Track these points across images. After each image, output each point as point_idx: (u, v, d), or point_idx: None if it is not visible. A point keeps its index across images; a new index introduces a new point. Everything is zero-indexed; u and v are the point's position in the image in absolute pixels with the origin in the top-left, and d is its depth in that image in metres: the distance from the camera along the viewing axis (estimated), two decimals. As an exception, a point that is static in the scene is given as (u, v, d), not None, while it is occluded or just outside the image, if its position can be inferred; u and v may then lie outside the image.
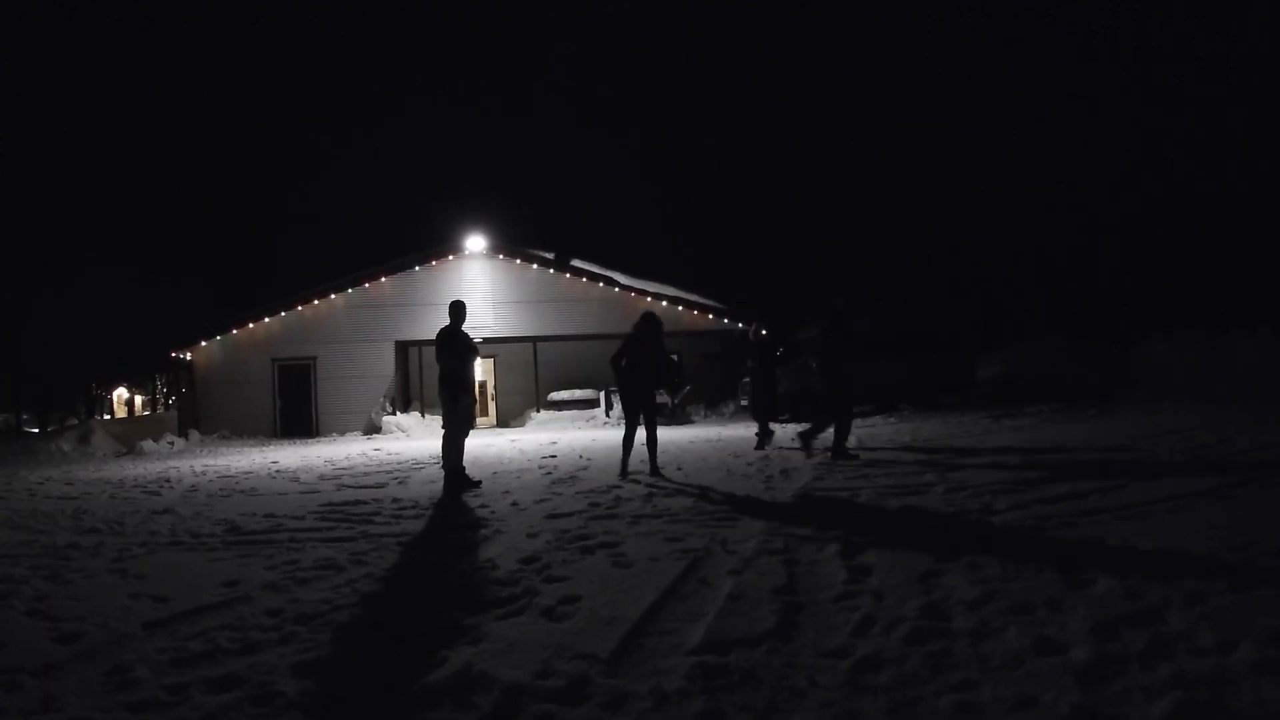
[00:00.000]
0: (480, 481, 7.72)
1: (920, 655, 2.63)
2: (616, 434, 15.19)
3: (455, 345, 7.60)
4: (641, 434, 7.94)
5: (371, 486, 8.04)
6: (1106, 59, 29.85)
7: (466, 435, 7.70)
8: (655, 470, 7.80)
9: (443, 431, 7.61)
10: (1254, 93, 25.37)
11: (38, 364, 31.93)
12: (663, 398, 19.86)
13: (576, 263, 21.77)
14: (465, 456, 7.67)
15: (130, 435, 18.44)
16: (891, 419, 14.83)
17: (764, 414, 10.86)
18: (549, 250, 22.62)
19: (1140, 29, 28.16)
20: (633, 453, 7.90)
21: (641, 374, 7.98)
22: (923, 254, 38.14)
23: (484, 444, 13.77)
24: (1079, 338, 20.79)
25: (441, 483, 7.56)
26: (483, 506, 6.32)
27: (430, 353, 8.04)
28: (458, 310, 7.76)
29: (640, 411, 7.96)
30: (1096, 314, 27.49)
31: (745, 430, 14.25)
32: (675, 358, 19.06)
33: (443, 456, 7.59)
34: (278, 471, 10.22)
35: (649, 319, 8.17)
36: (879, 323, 18.34)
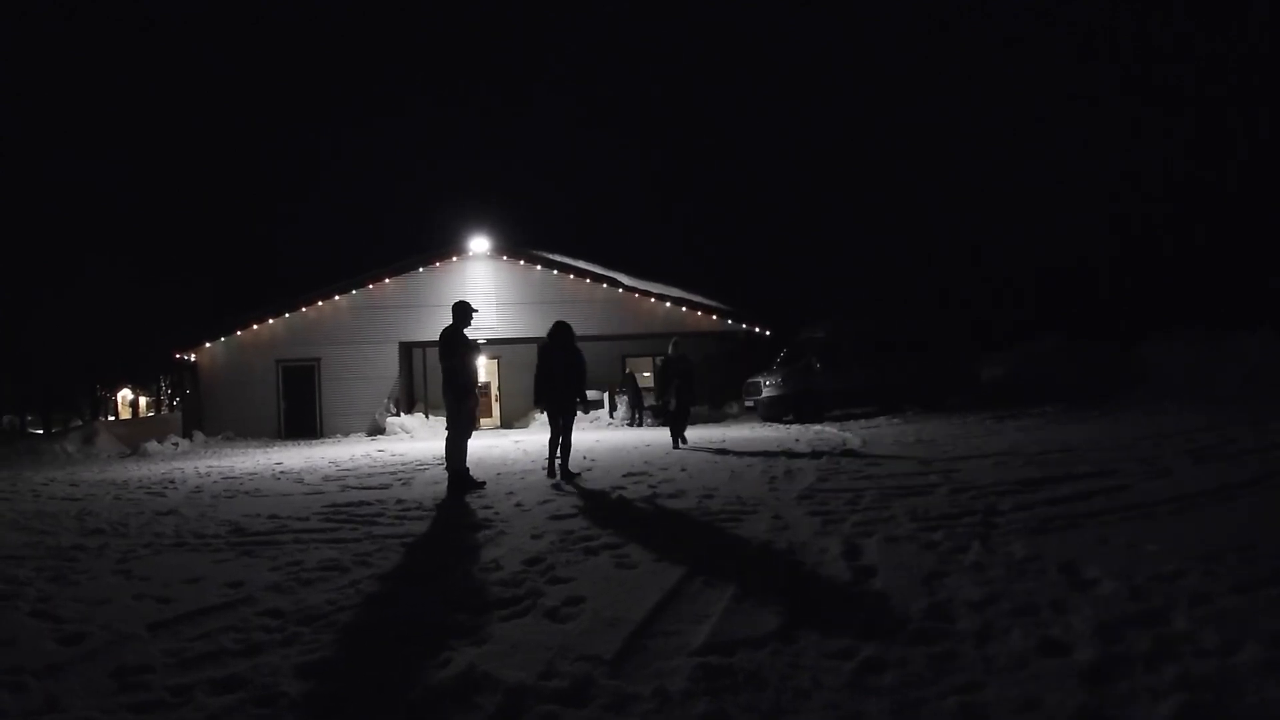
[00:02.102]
0: (484, 483, 7.72)
1: (924, 656, 2.62)
2: (621, 435, 15.22)
3: (458, 346, 7.58)
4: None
5: (375, 488, 8.05)
6: (1106, 59, 29.85)
7: (469, 436, 7.69)
8: (566, 473, 8.08)
9: (447, 433, 7.61)
10: (1254, 93, 25.32)
11: (42, 365, 32.00)
12: (653, 401, 19.99)
13: (580, 263, 21.78)
14: (468, 457, 7.67)
15: (134, 436, 18.49)
16: (896, 420, 14.81)
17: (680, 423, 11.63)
18: (552, 251, 22.64)
19: (1140, 29, 28.15)
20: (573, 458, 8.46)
21: (556, 382, 8.21)
22: (923, 254, 38.19)
23: (488, 445, 13.78)
24: (1080, 338, 20.77)
25: (445, 484, 7.56)
26: (486, 508, 6.33)
27: (434, 355, 8.06)
28: (461, 311, 7.74)
29: (559, 418, 8.24)
30: (1097, 314, 27.46)
31: (750, 432, 14.25)
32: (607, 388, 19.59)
33: (447, 458, 7.59)
34: (282, 473, 10.24)
35: (557, 327, 8.48)
36: (883, 324, 18.34)
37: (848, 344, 17.41)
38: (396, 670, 2.79)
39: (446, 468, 7.58)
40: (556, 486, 7.50)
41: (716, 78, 66.16)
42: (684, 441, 11.29)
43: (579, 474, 8.25)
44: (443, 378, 7.67)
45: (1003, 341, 24.07)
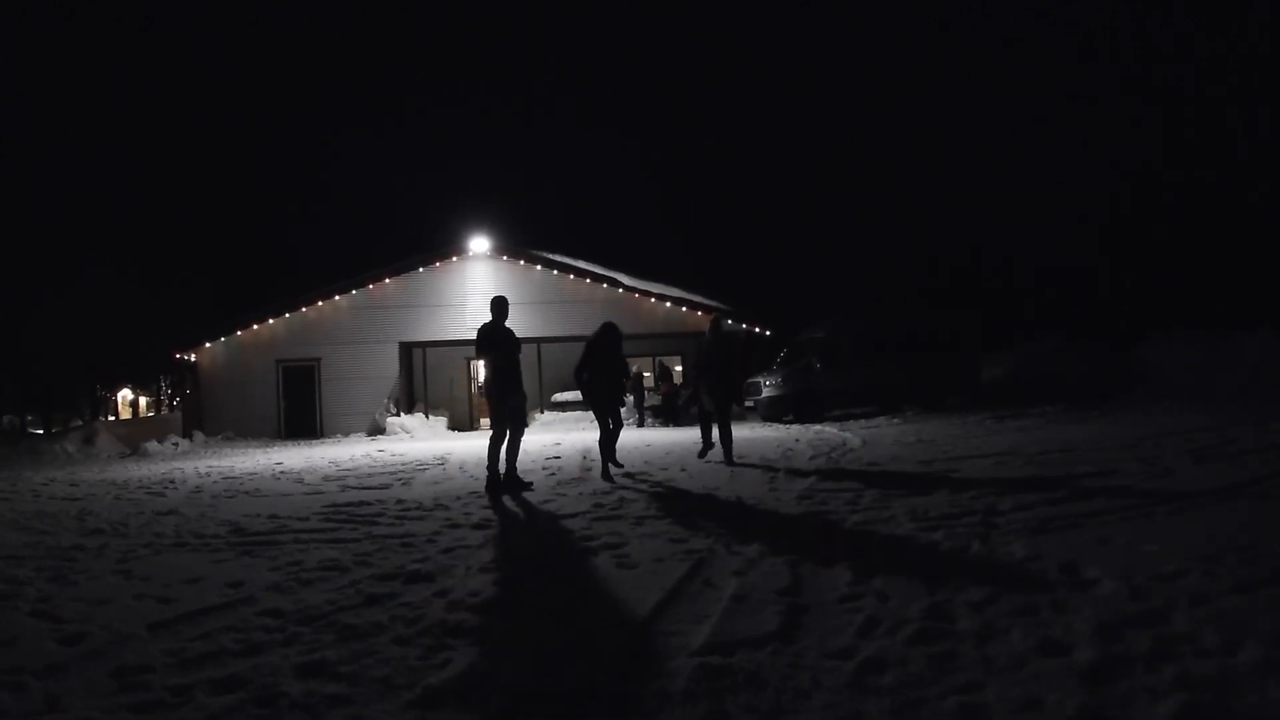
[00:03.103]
0: (505, 490, 7.09)
1: (924, 657, 2.62)
2: (621, 435, 15.16)
3: (498, 342, 7.24)
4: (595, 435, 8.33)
5: (375, 488, 8.05)
6: (1106, 59, 29.85)
7: (520, 436, 7.30)
8: (612, 466, 8.17)
9: (490, 431, 7.26)
10: (1254, 92, 25.31)
11: (42, 365, 32.01)
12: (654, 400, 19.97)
13: (580, 263, 21.79)
14: (467, 456, 7.64)
15: (135, 436, 18.49)
16: (896, 420, 14.81)
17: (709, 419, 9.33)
18: (552, 251, 22.64)
19: (1140, 29, 28.14)
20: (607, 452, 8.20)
21: (605, 383, 8.19)
22: (923, 254, 38.18)
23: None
24: (1080, 338, 20.77)
25: (445, 484, 7.55)
26: (486, 508, 6.33)
27: (434, 354, 8.04)
28: (500, 306, 7.41)
29: (607, 416, 8.20)
30: (1097, 314, 27.46)
31: (750, 432, 14.24)
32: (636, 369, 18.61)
33: (505, 458, 7.26)
34: (282, 473, 10.24)
35: (609, 329, 8.27)
36: (883, 324, 18.35)
37: (848, 344, 17.41)
38: (397, 670, 2.79)
39: (498, 467, 7.18)
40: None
41: (716, 78, 66.22)
42: (727, 457, 8.66)
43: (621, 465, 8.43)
44: (486, 375, 7.43)
45: (1003, 341, 24.09)
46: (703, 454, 8.96)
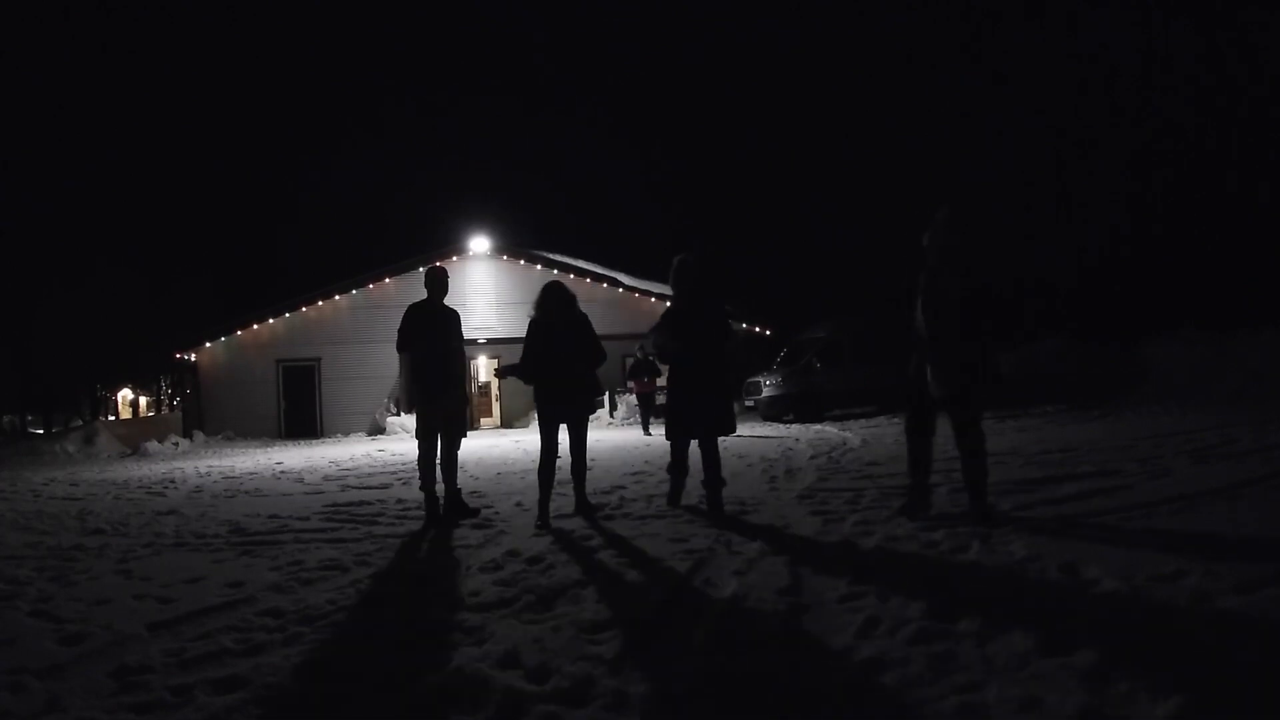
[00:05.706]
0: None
1: (925, 657, 2.62)
2: (621, 434, 15.15)
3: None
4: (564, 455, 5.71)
5: (376, 487, 8.05)
6: (1108, 58, 29.84)
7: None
8: (585, 504, 5.70)
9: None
10: (1255, 91, 25.29)
11: (43, 365, 32.05)
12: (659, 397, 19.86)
13: (581, 263, 21.79)
14: (467, 456, 7.57)
15: (135, 436, 18.50)
16: (896, 420, 14.80)
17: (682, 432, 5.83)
18: (552, 251, 22.66)
19: (1141, 28, 28.13)
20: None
21: (559, 370, 5.45)
22: (924, 254, 38.10)
23: (488, 445, 13.77)
24: (1082, 338, 20.74)
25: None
26: (487, 507, 6.33)
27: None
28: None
29: (561, 425, 5.55)
30: (1098, 314, 27.44)
31: (750, 431, 14.23)
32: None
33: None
34: (282, 472, 10.24)
35: (552, 290, 5.59)
36: (883, 324, 18.35)
37: (848, 344, 17.41)
38: (397, 670, 2.79)
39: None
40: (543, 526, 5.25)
41: (717, 78, 66.16)
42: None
43: (601, 507, 5.82)
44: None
45: (1005, 343, 24.04)
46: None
